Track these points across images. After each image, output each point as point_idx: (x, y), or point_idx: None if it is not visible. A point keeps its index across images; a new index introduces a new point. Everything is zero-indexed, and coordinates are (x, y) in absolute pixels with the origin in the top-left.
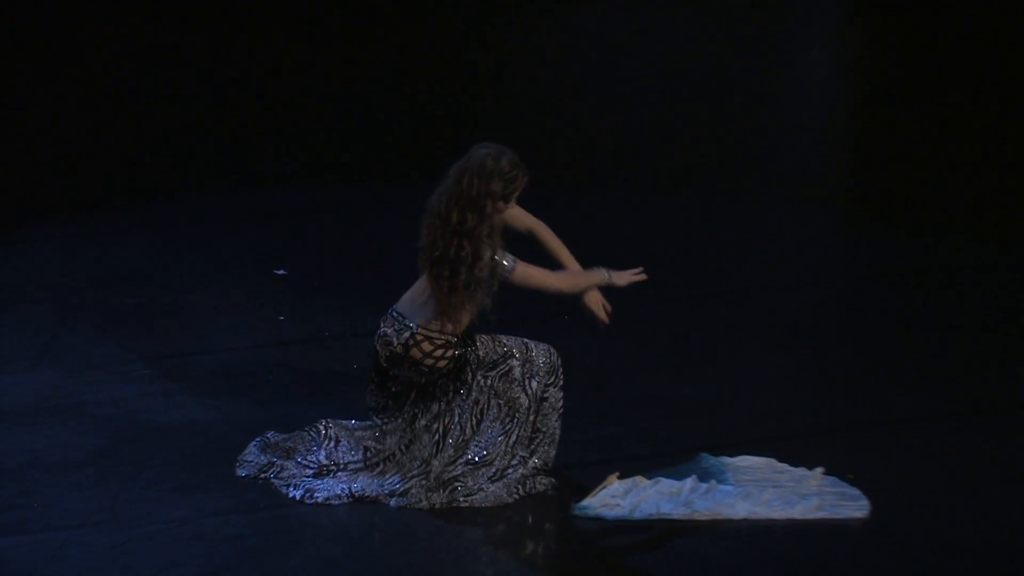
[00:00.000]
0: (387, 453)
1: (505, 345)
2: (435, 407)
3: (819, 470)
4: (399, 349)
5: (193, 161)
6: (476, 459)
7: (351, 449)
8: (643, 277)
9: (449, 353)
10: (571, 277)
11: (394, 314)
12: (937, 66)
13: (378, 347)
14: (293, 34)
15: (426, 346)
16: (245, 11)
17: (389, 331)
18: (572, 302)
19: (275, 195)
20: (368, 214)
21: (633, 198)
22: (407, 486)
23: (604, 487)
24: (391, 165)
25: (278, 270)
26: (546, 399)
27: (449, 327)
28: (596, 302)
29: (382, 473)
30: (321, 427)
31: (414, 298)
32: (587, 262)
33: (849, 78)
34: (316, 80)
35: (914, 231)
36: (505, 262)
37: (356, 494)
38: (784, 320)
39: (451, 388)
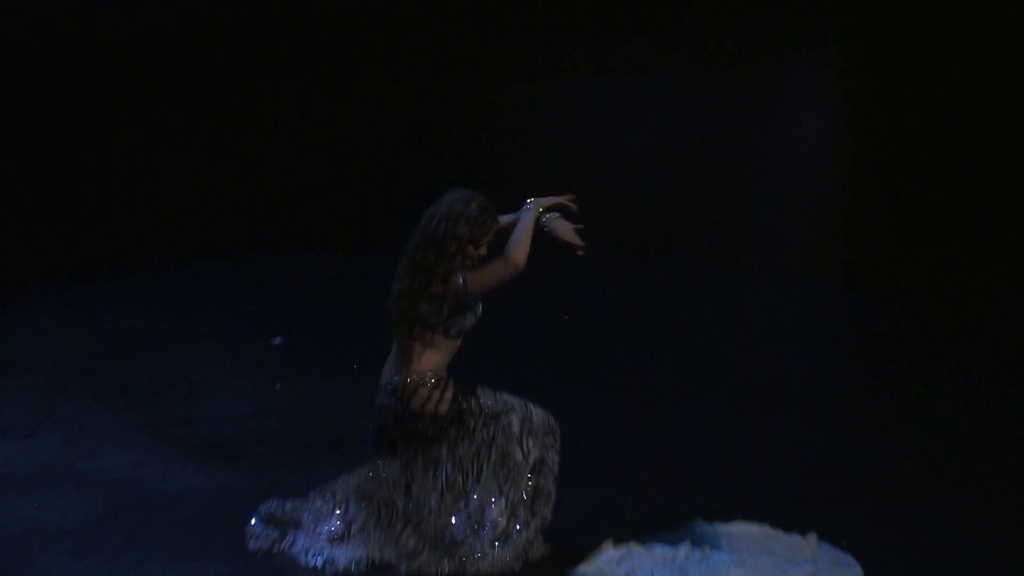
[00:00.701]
0: (391, 501)
1: (506, 401)
2: (435, 451)
3: (812, 537)
4: (399, 408)
5: (188, 230)
6: (474, 509)
7: (359, 509)
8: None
9: (448, 394)
10: (515, 245)
11: (381, 384)
12: (930, 132)
13: (385, 422)
14: (284, 104)
15: (422, 391)
16: (233, 83)
17: (385, 400)
18: (566, 300)
19: (271, 264)
20: (364, 283)
21: (622, 269)
22: (418, 548)
23: (600, 554)
24: (387, 235)
25: (275, 339)
26: (544, 461)
27: (430, 363)
28: (565, 231)
29: (397, 534)
30: (327, 493)
31: (389, 361)
32: (581, 331)
33: (840, 146)
34: (315, 148)
35: (903, 298)
36: (459, 279)
37: (375, 559)
38: (776, 387)
39: (453, 434)
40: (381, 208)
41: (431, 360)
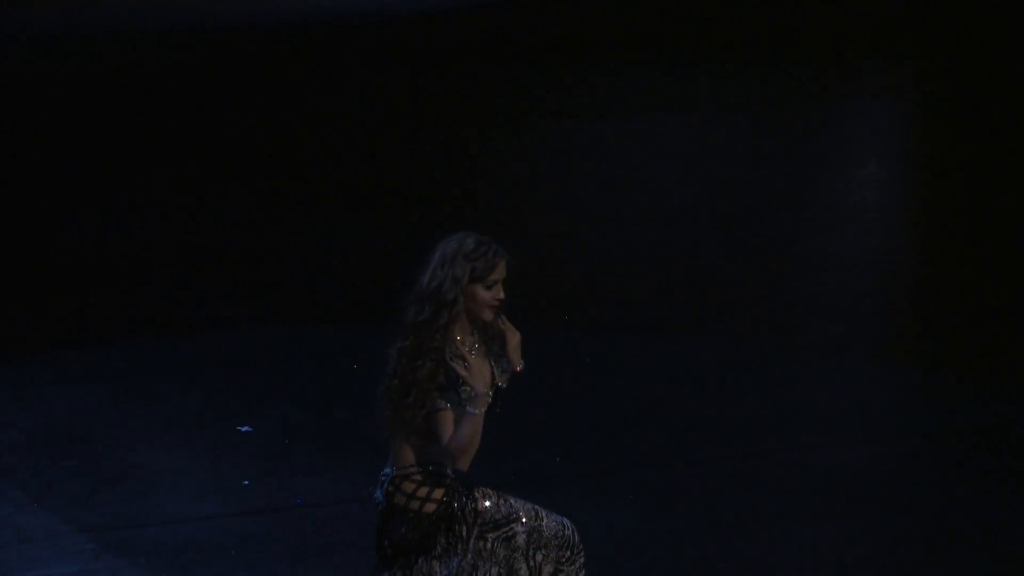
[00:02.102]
0: None
1: (512, 506)
2: (425, 565)
3: None
4: (383, 505)
5: (137, 300)
6: None
7: None
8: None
9: (436, 494)
10: (465, 440)
11: (380, 476)
12: (1017, 183)
13: (377, 524)
14: (239, 174)
15: (407, 486)
16: (190, 156)
17: (376, 493)
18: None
19: (235, 338)
20: (346, 359)
21: (653, 344)
22: None
23: None
24: (372, 305)
25: (241, 427)
26: None
27: (433, 454)
28: (515, 347)
29: None
30: None
31: (391, 451)
32: (607, 416)
33: (912, 198)
34: (287, 210)
35: (986, 382)
36: (440, 401)
37: None
38: (827, 483)
39: (442, 542)
40: (366, 274)
41: (425, 448)
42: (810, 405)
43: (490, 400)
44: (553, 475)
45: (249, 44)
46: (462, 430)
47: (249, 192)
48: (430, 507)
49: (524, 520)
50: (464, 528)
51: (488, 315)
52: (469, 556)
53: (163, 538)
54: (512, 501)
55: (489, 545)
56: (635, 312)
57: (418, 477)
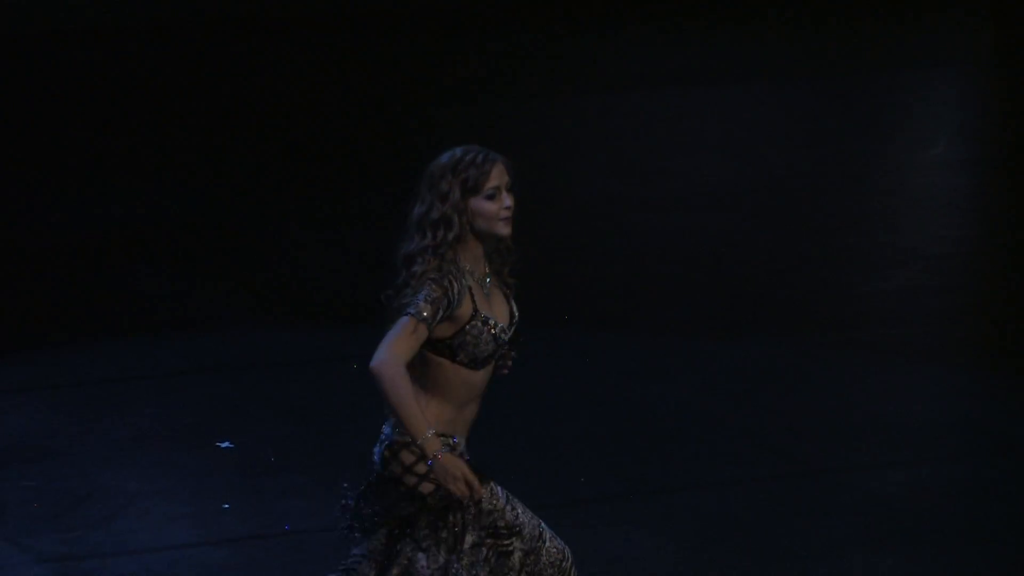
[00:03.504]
0: None
1: (518, 517)
2: (405, 551)
3: None
4: (378, 470)
5: (103, 300)
6: None
7: None
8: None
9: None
10: (412, 402)
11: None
12: None
13: (365, 481)
14: (218, 163)
15: (405, 456)
16: (174, 153)
17: (374, 452)
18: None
19: (215, 341)
20: (339, 365)
21: (688, 347)
22: None
23: None
24: (369, 304)
25: (221, 443)
26: None
27: (434, 414)
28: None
29: None
30: None
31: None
32: (640, 429)
33: (979, 185)
34: (282, 203)
35: None
36: (419, 297)
37: None
38: (888, 507)
39: (428, 530)
40: (359, 273)
41: (436, 409)
42: (869, 417)
43: (505, 343)
44: (577, 496)
45: (236, 33)
46: (403, 394)
47: (230, 182)
48: (427, 487)
49: (526, 537)
50: (461, 521)
51: (502, 229)
52: (465, 559)
53: (131, 569)
54: (520, 511)
55: (484, 552)
56: (668, 311)
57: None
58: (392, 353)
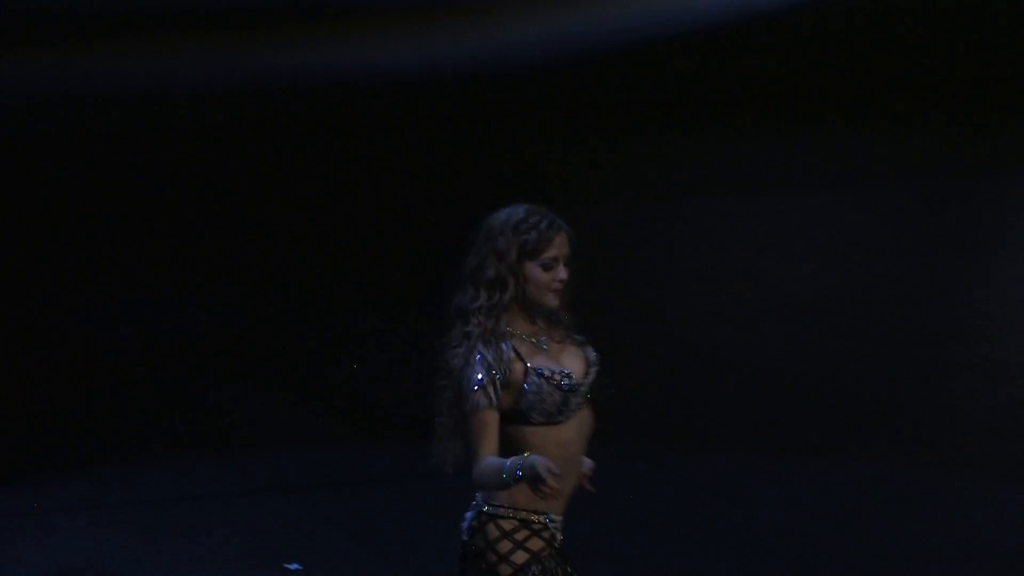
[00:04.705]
0: None
1: None
2: None
3: None
4: (464, 543)
5: (165, 414)
6: None
7: None
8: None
9: (518, 557)
10: (496, 469)
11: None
12: None
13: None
14: (281, 266)
15: (491, 530)
16: (241, 263)
17: (464, 520)
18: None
19: (278, 461)
20: (404, 485)
21: (775, 464)
22: None
23: None
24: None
25: (290, 564)
26: None
27: (516, 496)
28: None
29: None
30: None
31: None
32: (716, 554)
33: None
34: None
35: None
36: (478, 374)
37: None
38: None
39: None
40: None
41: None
42: (973, 542)
43: (578, 388)
44: None
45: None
46: (484, 467)
47: (297, 295)
48: (506, 570)
49: None
50: None
51: (550, 301)
52: None
53: None
54: None
55: None
56: (754, 427)
57: (508, 523)
58: (480, 456)
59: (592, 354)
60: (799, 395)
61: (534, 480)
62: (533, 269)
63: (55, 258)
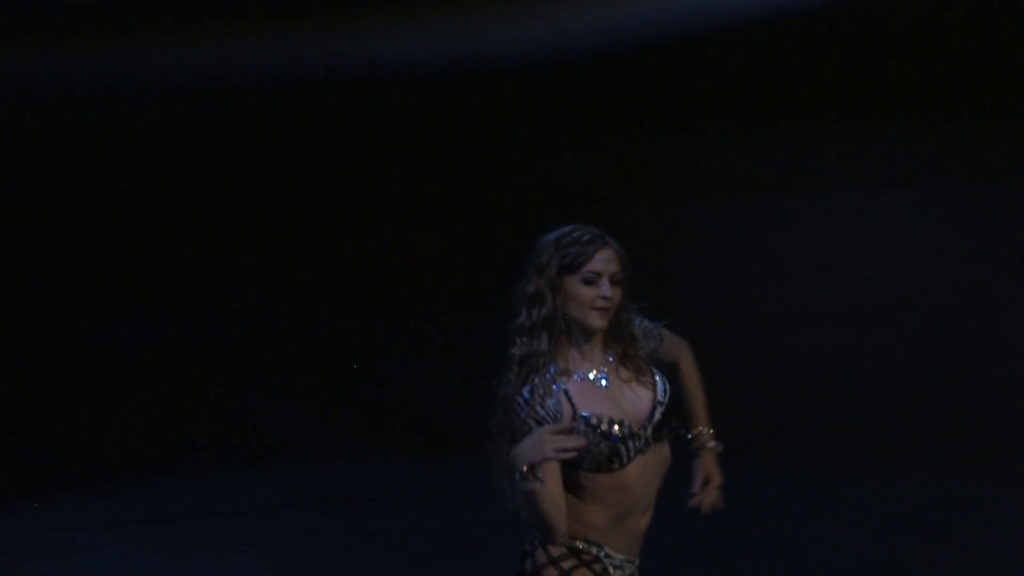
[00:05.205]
0: None
1: None
2: None
3: None
4: (519, 559)
5: (198, 430)
6: None
7: None
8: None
9: None
10: (557, 509)
11: None
12: None
13: None
14: (323, 274)
15: (539, 555)
16: (277, 272)
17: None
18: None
19: (313, 474)
20: (449, 500)
21: (849, 478)
22: None
23: None
24: (463, 436)
25: None
26: None
27: (591, 518)
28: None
29: None
30: None
31: None
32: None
33: None
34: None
35: None
36: (540, 408)
37: None
38: None
39: None
40: (474, 398)
41: (590, 517)
42: None
43: (630, 436)
44: None
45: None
46: (531, 504)
47: (331, 305)
48: None
49: None
50: None
51: (594, 321)
52: None
53: None
54: None
55: None
56: (819, 439)
57: (556, 551)
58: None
59: (663, 389)
60: (866, 404)
61: (544, 459)
62: (573, 284)
63: (83, 267)
